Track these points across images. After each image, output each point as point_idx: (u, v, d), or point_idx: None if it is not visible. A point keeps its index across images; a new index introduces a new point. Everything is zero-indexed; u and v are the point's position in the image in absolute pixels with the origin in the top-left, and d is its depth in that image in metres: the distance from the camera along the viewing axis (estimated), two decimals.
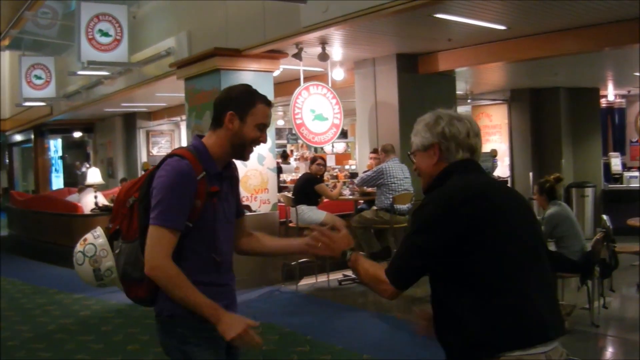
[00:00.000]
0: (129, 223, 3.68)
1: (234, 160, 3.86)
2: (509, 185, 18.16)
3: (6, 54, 32.04)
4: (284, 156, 23.08)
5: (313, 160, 12.84)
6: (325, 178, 14.34)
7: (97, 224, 4.15)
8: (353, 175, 17.10)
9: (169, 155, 3.67)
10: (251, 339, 3.51)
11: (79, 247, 3.74)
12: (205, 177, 3.60)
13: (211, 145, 3.72)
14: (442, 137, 3.35)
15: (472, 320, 3.02)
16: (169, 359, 3.76)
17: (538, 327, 3.07)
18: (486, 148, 19.03)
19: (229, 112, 3.69)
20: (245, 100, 3.73)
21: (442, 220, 3.12)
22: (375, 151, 12.80)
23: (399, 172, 11.60)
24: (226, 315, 3.53)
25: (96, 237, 3.73)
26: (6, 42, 24.35)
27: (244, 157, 3.83)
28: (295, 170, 21.72)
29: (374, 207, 11.91)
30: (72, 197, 18.55)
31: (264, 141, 3.82)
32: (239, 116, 3.68)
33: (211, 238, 3.66)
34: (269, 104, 3.81)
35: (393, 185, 11.49)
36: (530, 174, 18.08)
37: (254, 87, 3.83)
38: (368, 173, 11.97)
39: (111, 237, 3.74)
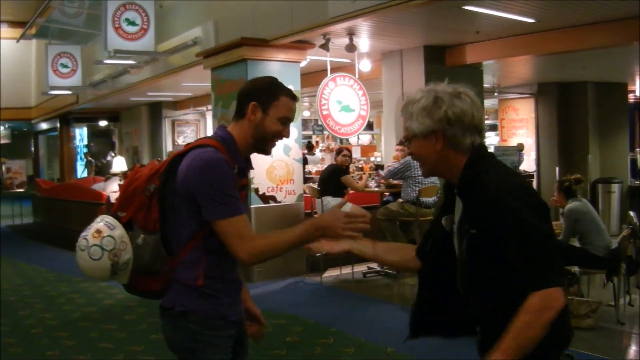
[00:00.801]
0: (147, 212, 3.61)
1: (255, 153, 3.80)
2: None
3: (33, 43, 32.30)
4: (309, 147, 23.04)
5: (339, 152, 12.82)
6: (350, 170, 14.28)
7: None
8: (378, 167, 17.05)
9: (201, 146, 3.57)
10: (346, 225, 3.42)
11: (92, 239, 3.51)
12: (237, 171, 3.57)
13: (237, 136, 3.66)
14: (446, 123, 3.05)
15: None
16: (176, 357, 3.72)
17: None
18: (513, 142, 18.92)
19: (251, 102, 3.64)
20: (269, 92, 3.67)
21: (540, 215, 2.87)
22: (401, 143, 12.72)
23: None
24: (317, 221, 3.51)
25: (112, 229, 3.54)
26: (33, 31, 24.47)
27: (266, 151, 3.77)
28: (320, 161, 21.71)
29: (400, 200, 11.86)
30: (98, 186, 18.60)
31: (287, 135, 3.73)
32: (262, 108, 3.63)
33: None
34: (294, 98, 3.73)
35: (420, 177, 11.43)
36: (557, 168, 17.95)
37: (281, 77, 3.78)
38: (395, 165, 11.90)
39: (124, 226, 3.60)
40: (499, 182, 2.92)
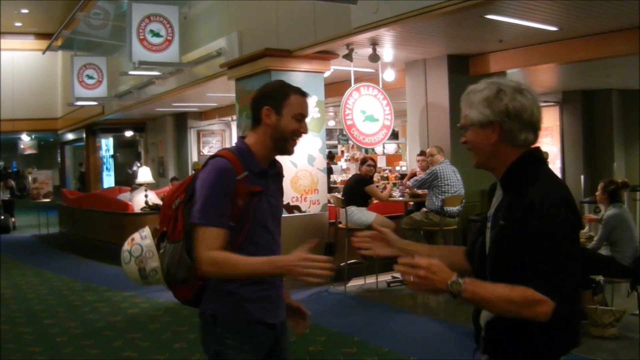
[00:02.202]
0: (174, 224, 3.69)
1: (280, 157, 3.85)
2: None
3: (59, 55, 32.52)
4: (330, 157, 23.02)
5: (363, 161, 12.79)
6: (375, 179, 14.27)
7: (147, 223, 4.16)
8: (403, 176, 17.03)
9: (212, 157, 3.70)
10: (299, 272, 3.39)
11: (126, 246, 3.76)
12: (247, 177, 3.61)
13: (253, 144, 3.74)
14: (505, 116, 3.05)
15: (547, 325, 2.92)
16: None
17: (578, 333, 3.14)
18: None
19: (264, 107, 3.72)
20: (279, 93, 3.75)
21: (574, 230, 2.95)
22: (422, 153, 12.75)
23: (451, 175, 11.53)
24: (279, 259, 3.53)
25: (143, 238, 3.74)
26: (59, 43, 24.64)
27: (288, 151, 3.81)
28: (345, 170, 21.70)
29: (424, 209, 11.85)
30: (124, 196, 18.70)
31: (305, 131, 3.80)
32: (275, 110, 3.70)
33: (256, 237, 3.65)
34: (303, 94, 3.81)
35: (445, 187, 11.43)
36: (582, 177, 17.89)
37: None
38: (422, 176, 11.90)
39: (159, 238, 3.75)
40: (547, 190, 2.96)
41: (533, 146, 3.14)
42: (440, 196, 11.44)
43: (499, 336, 3.09)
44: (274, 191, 3.85)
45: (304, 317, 4.11)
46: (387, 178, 19.01)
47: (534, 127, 3.10)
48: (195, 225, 3.53)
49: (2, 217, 25.89)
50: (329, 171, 17.10)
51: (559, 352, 3.06)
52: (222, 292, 3.65)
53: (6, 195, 26.74)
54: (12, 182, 29.65)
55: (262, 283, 3.71)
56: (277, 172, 3.91)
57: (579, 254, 2.95)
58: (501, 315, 2.99)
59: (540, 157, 3.14)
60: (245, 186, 3.59)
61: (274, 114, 3.69)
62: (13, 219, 26.81)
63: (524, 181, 3.03)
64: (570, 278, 2.89)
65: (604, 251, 9.32)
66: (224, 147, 17.30)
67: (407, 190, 12.85)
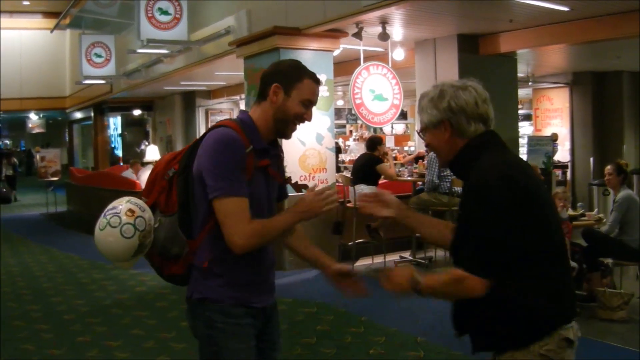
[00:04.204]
0: (168, 196, 3.63)
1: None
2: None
3: (67, 33, 32.52)
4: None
5: (372, 141, 12.71)
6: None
7: None
8: (414, 156, 16.98)
9: (215, 126, 3.60)
10: (318, 205, 3.52)
11: (125, 218, 3.53)
12: (253, 151, 3.52)
13: (257, 119, 3.64)
14: (450, 112, 3.28)
15: (528, 300, 3.09)
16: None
17: (573, 305, 3.32)
18: (547, 132, 18.80)
19: (274, 84, 3.61)
20: (293, 74, 3.64)
21: (511, 208, 3.03)
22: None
23: None
24: (298, 207, 3.55)
25: (142, 210, 3.57)
26: (67, 21, 24.61)
27: (286, 135, 3.73)
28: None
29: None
30: (126, 174, 18.72)
31: (309, 119, 3.71)
32: (285, 89, 3.60)
33: (258, 215, 3.51)
34: (317, 81, 3.70)
35: (448, 171, 11.38)
36: (591, 158, 17.85)
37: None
38: (427, 175, 11.83)
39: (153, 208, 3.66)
40: (488, 167, 3.14)
41: (480, 134, 3.31)
42: (448, 177, 11.40)
43: (469, 321, 3.32)
44: (273, 170, 3.76)
45: (353, 277, 4.03)
46: (395, 158, 18.94)
47: (482, 118, 3.31)
48: (218, 199, 3.40)
49: (4, 190, 29.20)
50: (338, 150, 17.06)
51: (558, 321, 3.17)
52: (210, 274, 3.56)
53: (9, 171, 29.75)
54: (15, 160, 32.22)
55: (253, 266, 3.64)
56: (277, 154, 3.83)
57: (521, 229, 3.04)
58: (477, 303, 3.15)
59: (484, 140, 3.30)
60: (252, 160, 3.50)
61: (282, 92, 3.59)
62: (14, 192, 29.80)
63: (466, 167, 3.26)
64: (503, 253, 3.03)
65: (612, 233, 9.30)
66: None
67: (416, 170, 12.81)
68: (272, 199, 3.80)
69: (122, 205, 3.61)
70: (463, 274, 3.05)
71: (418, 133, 3.42)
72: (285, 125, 3.66)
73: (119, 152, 34.43)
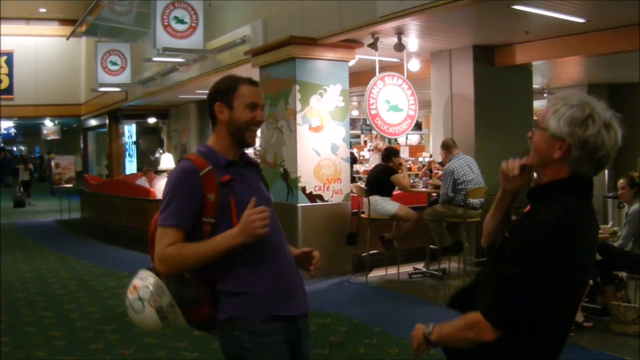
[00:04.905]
0: None
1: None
2: None
3: (83, 40, 32.68)
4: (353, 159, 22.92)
5: (388, 152, 12.70)
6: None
7: None
8: (423, 166, 16.96)
9: (178, 162, 3.73)
10: (254, 223, 3.41)
11: (131, 295, 3.67)
12: (213, 170, 3.57)
13: (213, 144, 3.74)
14: (581, 145, 2.87)
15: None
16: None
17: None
18: None
19: (215, 103, 3.73)
20: (227, 87, 3.74)
21: (554, 259, 2.79)
22: (444, 146, 12.66)
23: (467, 170, 11.43)
24: (235, 229, 3.46)
25: (144, 279, 3.67)
26: (83, 29, 24.73)
27: (247, 143, 3.77)
28: (367, 160, 21.66)
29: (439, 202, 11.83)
30: (139, 182, 18.75)
31: (260, 119, 3.76)
32: (226, 104, 3.69)
33: None
34: (253, 83, 3.79)
35: (461, 184, 11.36)
36: (606, 171, 17.78)
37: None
38: (442, 187, 11.80)
39: (157, 274, 3.68)
40: (552, 217, 2.83)
41: (587, 177, 2.99)
42: (461, 192, 11.37)
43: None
44: (250, 179, 3.79)
45: (312, 257, 4.05)
46: (410, 169, 18.91)
47: (601, 166, 2.96)
48: (157, 229, 3.57)
49: (19, 194, 30.44)
50: (353, 160, 17.04)
51: None
52: (232, 294, 3.59)
53: (25, 176, 31.09)
54: (31, 166, 33.63)
55: (270, 274, 3.65)
56: (248, 162, 3.87)
57: (562, 287, 2.85)
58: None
59: (582, 189, 2.98)
60: (213, 179, 3.56)
61: (226, 108, 3.69)
62: (29, 198, 30.92)
63: (543, 201, 2.95)
64: (528, 305, 2.81)
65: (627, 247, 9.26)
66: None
67: (430, 181, 12.79)
68: (267, 202, 3.70)
69: (130, 283, 3.75)
70: (476, 319, 2.88)
71: (534, 123, 3.11)
72: (242, 135, 3.72)
73: (134, 160, 34.49)
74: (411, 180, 14.10)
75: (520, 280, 2.78)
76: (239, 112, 3.66)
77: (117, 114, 31.97)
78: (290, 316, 3.72)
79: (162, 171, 17.84)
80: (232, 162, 3.69)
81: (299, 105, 11.78)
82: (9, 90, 35.17)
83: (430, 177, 14.07)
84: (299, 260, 3.99)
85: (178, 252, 3.46)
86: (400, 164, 12.70)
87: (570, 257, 2.82)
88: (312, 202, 11.88)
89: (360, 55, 12.70)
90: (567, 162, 2.93)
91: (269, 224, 3.44)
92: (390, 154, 12.59)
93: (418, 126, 24.76)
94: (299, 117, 11.81)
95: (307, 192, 11.90)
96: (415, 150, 24.42)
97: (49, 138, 42.18)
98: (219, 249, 3.45)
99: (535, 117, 12.50)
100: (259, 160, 3.56)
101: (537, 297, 2.79)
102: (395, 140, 20.94)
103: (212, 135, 3.77)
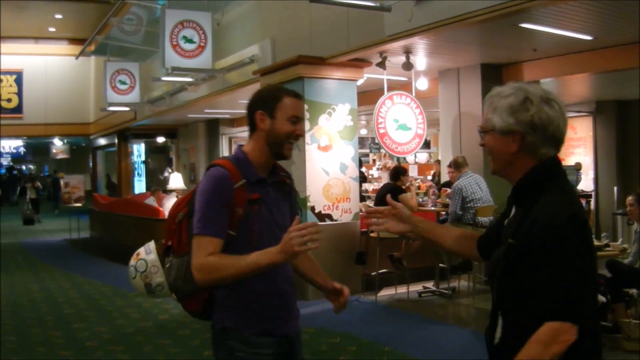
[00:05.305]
0: (179, 238, 3.70)
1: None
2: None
3: (92, 60, 32.80)
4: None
5: (396, 171, 12.71)
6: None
7: None
8: (436, 184, 16.96)
9: (211, 165, 3.70)
10: (292, 240, 3.33)
11: (132, 261, 3.79)
12: (245, 185, 3.58)
13: (250, 151, 3.73)
14: (530, 127, 2.92)
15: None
16: None
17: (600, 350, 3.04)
18: (570, 161, 18.73)
19: (257, 112, 3.71)
20: (271, 97, 3.73)
21: (582, 243, 2.79)
22: (451, 165, 12.66)
23: (475, 188, 11.46)
24: (277, 247, 3.41)
25: (148, 253, 3.78)
26: (92, 48, 24.86)
27: (284, 156, 3.78)
28: (377, 180, 21.64)
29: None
30: (148, 201, 18.77)
31: (301, 134, 3.76)
32: (268, 113, 3.68)
33: (258, 246, 3.52)
34: (297, 96, 3.79)
35: (470, 202, 11.37)
36: (615, 188, 17.75)
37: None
38: (450, 204, 11.83)
39: (164, 252, 3.77)
40: (557, 206, 2.83)
41: (551, 158, 3.02)
42: (470, 211, 11.37)
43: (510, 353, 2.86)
44: (274, 199, 3.77)
45: (342, 296, 4.03)
46: (419, 187, 18.92)
47: (557, 141, 3.00)
48: (194, 236, 3.53)
49: (29, 212, 31.10)
50: (363, 179, 17.03)
51: None
52: (230, 304, 3.63)
53: (33, 194, 31.49)
54: (39, 184, 34.21)
55: (271, 294, 3.68)
56: (278, 180, 3.85)
57: (592, 272, 2.84)
58: (512, 333, 2.89)
59: (555, 170, 3.02)
60: (244, 194, 3.57)
61: (267, 117, 3.68)
62: (37, 215, 31.70)
63: (531, 196, 2.94)
64: (585, 294, 2.77)
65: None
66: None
67: (439, 200, 12.79)
68: (285, 224, 3.66)
69: (140, 248, 3.83)
70: (559, 325, 2.70)
71: (478, 129, 3.17)
72: (281, 147, 3.71)
73: (142, 179, 34.56)
74: (420, 199, 14.11)
75: (565, 270, 2.72)
76: (281, 123, 3.66)
77: (126, 133, 32.08)
78: (285, 333, 3.75)
79: (171, 190, 17.82)
80: (262, 179, 3.70)
81: (307, 125, 11.78)
82: (19, 109, 35.38)
83: (439, 196, 14.06)
84: (327, 292, 4.04)
85: (220, 262, 3.45)
86: (411, 184, 12.72)
87: (585, 235, 2.82)
88: (321, 221, 11.86)
89: (368, 74, 12.72)
90: (526, 151, 2.97)
91: (312, 239, 3.36)
92: (398, 172, 12.61)
93: (426, 144, 24.78)
94: (307, 136, 11.80)
95: (316, 211, 11.90)
96: (424, 168, 24.45)
97: (58, 157, 42.32)
98: (260, 265, 3.42)
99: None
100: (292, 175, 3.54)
101: (585, 280, 2.76)
102: (404, 159, 20.95)
103: (250, 142, 3.77)
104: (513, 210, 3.12)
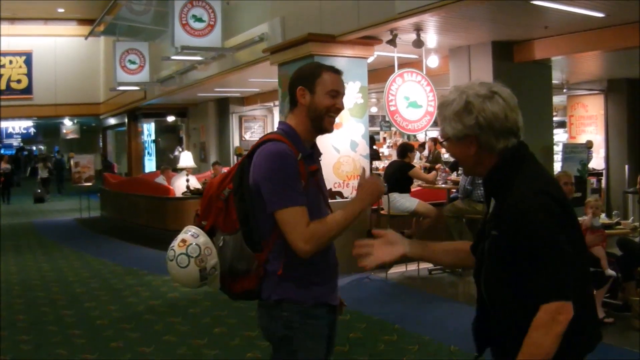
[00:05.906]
0: (226, 216, 3.71)
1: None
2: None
3: (101, 40, 32.81)
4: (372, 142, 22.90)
5: (404, 148, 12.68)
6: (418, 165, 14.20)
7: (188, 207, 4.12)
8: (446, 163, 16.94)
9: (264, 142, 3.70)
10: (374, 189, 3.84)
11: (178, 249, 3.69)
12: (302, 157, 3.64)
13: (296, 125, 3.81)
14: (478, 128, 3.02)
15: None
16: (266, 343, 3.77)
17: (598, 332, 3.12)
18: (582, 139, 18.67)
19: (298, 87, 3.78)
20: (311, 73, 3.81)
21: (562, 223, 2.87)
22: None
23: None
24: (354, 198, 3.80)
25: (196, 237, 3.70)
26: (101, 28, 24.81)
27: (327, 129, 3.86)
28: (387, 157, 21.62)
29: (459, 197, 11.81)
30: (157, 180, 18.80)
31: (341, 107, 3.83)
32: (309, 89, 3.75)
33: (317, 216, 3.62)
34: (336, 71, 3.84)
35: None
36: (627, 166, 17.70)
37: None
38: (460, 181, 11.80)
39: (208, 233, 3.74)
40: (526, 188, 2.91)
41: (513, 147, 3.08)
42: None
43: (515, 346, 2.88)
44: (320, 173, 3.89)
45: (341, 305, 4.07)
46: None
47: (512, 132, 3.06)
48: (277, 212, 3.54)
49: (39, 191, 32.19)
50: (374, 157, 16.98)
51: (582, 351, 3.01)
52: (286, 278, 3.65)
53: (45, 174, 32.64)
54: (50, 164, 34.97)
55: (326, 265, 3.76)
56: (319, 156, 3.97)
57: (575, 244, 2.90)
58: (509, 323, 2.96)
59: (520, 157, 3.08)
60: (304, 167, 3.63)
61: (308, 93, 3.75)
62: (48, 195, 32.96)
63: (502, 187, 3.02)
64: (570, 268, 2.81)
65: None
66: (266, 132, 17.33)
67: (450, 177, 12.76)
68: (327, 198, 3.95)
69: (178, 237, 3.75)
70: (550, 313, 2.74)
71: (439, 139, 3.28)
72: (321, 120, 3.79)
73: (153, 159, 34.61)
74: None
75: (544, 249, 2.78)
76: (320, 97, 3.73)
77: (136, 113, 32.13)
78: (334, 305, 3.84)
79: (181, 169, 17.85)
80: (310, 154, 3.81)
81: None
82: (28, 90, 35.42)
83: (451, 173, 14.03)
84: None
85: (323, 227, 3.55)
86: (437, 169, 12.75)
87: (560, 209, 2.88)
88: (331, 199, 11.81)
89: (379, 52, 12.68)
90: (485, 149, 3.07)
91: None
92: (405, 149, 12.60)
93: (437, 122, 24.72)
94: None
95: (327, 188, 11.86)
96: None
97: (68, 137, 42.40)
98: (355, 215, 3.66)
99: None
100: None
101: (567, 253, 2.81)
102: (414, 136, 20.91)
103: (292, 117, 3.83)
104: (492, 205, 3.17)
